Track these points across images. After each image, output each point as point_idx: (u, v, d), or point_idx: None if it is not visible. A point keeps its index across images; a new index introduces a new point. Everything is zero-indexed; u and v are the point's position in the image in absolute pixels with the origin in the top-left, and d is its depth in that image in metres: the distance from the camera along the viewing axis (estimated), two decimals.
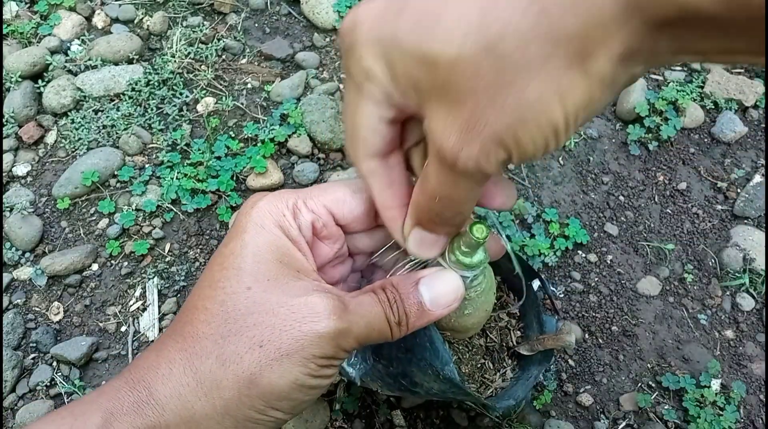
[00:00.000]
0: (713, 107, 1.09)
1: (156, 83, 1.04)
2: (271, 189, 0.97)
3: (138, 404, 0.38)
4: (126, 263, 0.91)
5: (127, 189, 0.96)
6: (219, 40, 1.11)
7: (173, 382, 0.38)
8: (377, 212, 0.44)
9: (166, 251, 0.92)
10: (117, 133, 1.00)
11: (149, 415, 0.38)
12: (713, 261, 0.97)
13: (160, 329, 0.87)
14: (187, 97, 1.04)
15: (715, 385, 0.86)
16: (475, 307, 0.54)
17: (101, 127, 1.01)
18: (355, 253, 0.50)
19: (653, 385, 0.87)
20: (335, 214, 0.44)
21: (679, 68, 1.14)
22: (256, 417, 0.39)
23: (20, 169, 0.98)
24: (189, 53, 1.08)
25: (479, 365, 0.66)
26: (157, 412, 0.38)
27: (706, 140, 1.07)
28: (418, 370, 0.56)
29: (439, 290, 0.44)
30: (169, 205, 0.94)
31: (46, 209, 0.95)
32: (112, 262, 0.91)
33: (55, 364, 0.85)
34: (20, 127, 1.00)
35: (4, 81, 1.02)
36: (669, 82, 1.10)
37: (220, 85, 1.07)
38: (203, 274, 0.43)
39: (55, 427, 0.39)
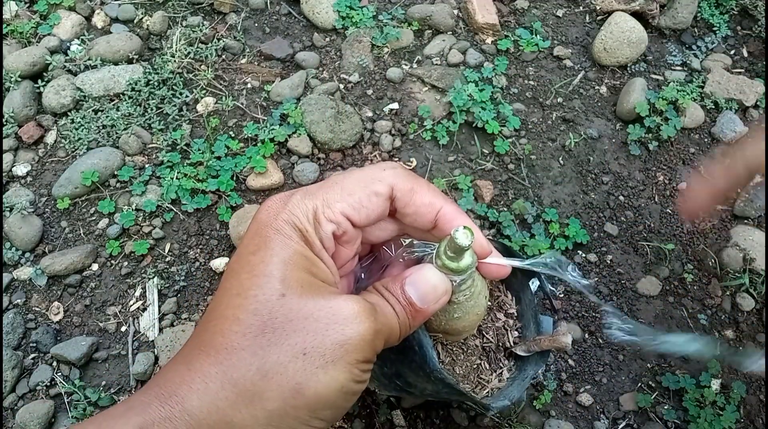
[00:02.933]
0: (713, 107, 1.09)
1: (156, 83, 1.04)
2: (271, 189, 0.97)
3: (170, 418, 0.37)
4: (126, 263, 0.91)
5: (127, 189, 0.96)
6: (219, 39, 1.11)
7: (210, 397, 0.37)
8: (394, 209, 0.45)
9: (166, 251, 0.92)
10: (117, 133, 1.00)
11: None
12: (713, 261, 0.97)
13: (160, 329, 0.87)
14: (187, 97, 1.04)
15: (715, 385, 0.86)
16: (465, 310, 0.53)
17: (101, 127, 1.01)
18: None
19: (653, 385, 0.87)
20: (353, 220, 0.44)
21: (679, 68, 1.14)
22: (298, 428, 0.38)
23: (20, 169, 0.98)
24: (189, 53, 1.08)
25: (475, 366, 0.66)
26: (191, 426, 0.37)
27: (706, 140, 1.07)
28: (410, 371, 0.56)
29: (424, 288, 0.44)
30: (169, 205, 0.94)
31: (46, 209, 0.95)
32: (112, 262, 0.91)
33: (55, 364, 0.85)
34: (20, 127, 1.00)
35: (3, 81, 1.02)
36: (669, 82, 1.10)
37: (220, 85, 1.07)
38: (227, 282, 0.41)
39: None
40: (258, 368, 0.37)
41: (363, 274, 0.53)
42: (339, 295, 0.41)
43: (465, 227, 0.43)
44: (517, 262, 0.51)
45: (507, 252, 0.57)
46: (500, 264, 0.50)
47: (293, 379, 0.37)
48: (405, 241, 0.52)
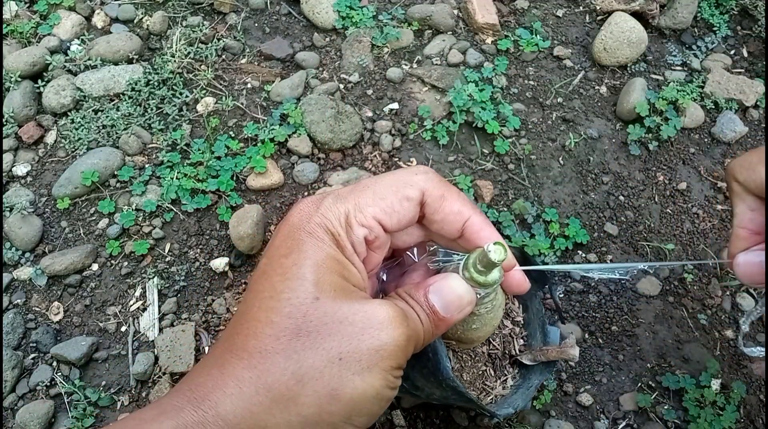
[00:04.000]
0: (713, 107, 1.09)
1: (156, 83, 1.04)
2: (271, 189, 0.97)
3: (203, 423, 0.37)
4: (126, 263, 0.91)
5: (127, 189, 0.96)
6: (219, 39, 1.11)
7: (244, 402, 0.37)
8: (422, 215, 0.45)
9: (166, 251, 0.92)
10: (117, 133, 1.00)
11: None
12: (713, 261, 0.97)
13: (160, 329, 0.87)
14: (187, 97, 1.04)
15: (715, 385, 0.86)
16: (483, 322, 0.53)
17: (101, 127, 1.01)
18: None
19: (653, 385, 0.87)
20: (385, 225, 0.44)
21: (679, 68, 1.14)
22: None
23: (20, 169, 0.98)
24: (189, 53, 1.08)
25: (480, 372, 0.66)
26: None
27: (706, 140, 1.07)
28: (420, 376, 0.56)
29: (449, 298, 0.44)
30: (169, 205, 0.94)
31: (46, 209, 0.95)
32: (112, 262, 0.91)
33: (55, 364, 0.85)
34: (20, 127, 1.00)
35: (3, 81, 1.02)
36: (669, 82, 1.10)
37: (220, 85, 1.07)
38: (258, 284, 0.41)
39: None
40: (293, 373, 0.37)
41: (384, 277, 0.53)
42: (371, 300, 0.41)
43: (497, 243, 0.42)
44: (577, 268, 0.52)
45: (525, 259, 0.57)
46: (539, 269, 0.50)
47: (329, 385, 0.37)
48: (430, 248, 0.51)
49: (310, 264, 0.39)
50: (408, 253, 0.52)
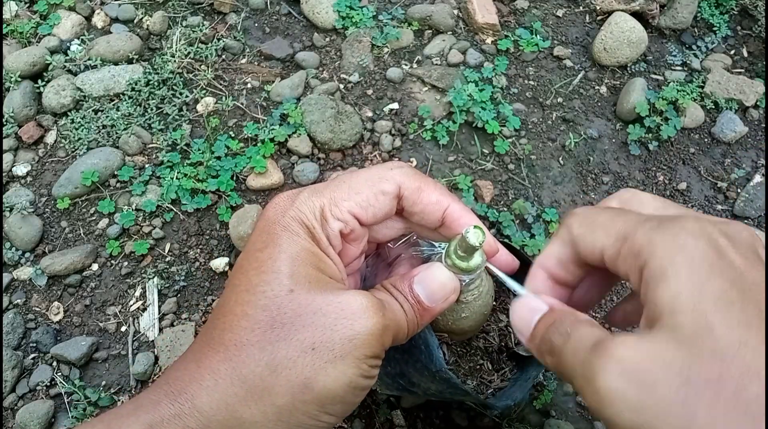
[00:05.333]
0: (713, 107, 1.09)
1: (156, 83, 1.04)
2: (271, 189, 0.97)
3: (180, 416, 0.37)
4: (126, 263, 0.91)
5: (127, 189, 0.96)
6: (219, 39, 1.11)
7: (219, 393, 0.38)
8: (401, 208, 0.45)
9: (166, 251, 0.92)
10: (117, 133, 1.00)
11: (192, 426, 0.37)
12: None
13: (160, 329, 0.87)
14: (187, 97, 1.04)
15: None
16: (472, 310, 0.53)
17: (101, 127, 1.01)
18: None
19: None
20: (360, 218, 0.44)
21: (679, 68, 1.14)
22: (308, 422, 0.39)
23: (20, 169, 0.98)
24: (189, 53, 1.08)
25: (478, 366, 0.66)
26: (201, 423, 0.37)
27: (706, 140, 1.07)
28: (414, 370, 0.56)
29: (433, 286, 0.44)
30: (169, 205, 0.94)
31: (46, 209, 0.95)
32: (112, 262, 0.91)
33: (55, 364, 0.85)
34: (20, 127, 1.00)
35: (3, 81, 1.02)
36: (669, 82, 1.10)
37: (220, 85, 1.07)
38: (235, 278, 0.41)
39: None
40: (267, 363, 0.37)
41: (369, 273, 0.53)
42: (347, 290, 0.41)
43: (476, 227, 0.43)
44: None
45: (512, 251, 0.57)
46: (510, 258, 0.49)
47: (302, 374, 0.37)
48: (411, 239, 0.52)
49: (284, 257, 0.40)
50: (389, 245, 0.52)
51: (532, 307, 0.40)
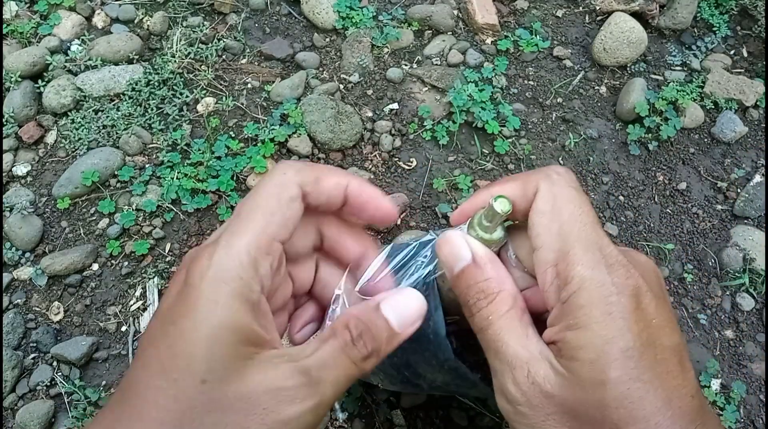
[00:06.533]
0: (713, 107, 1.09)
1: (156, 83, 1.04)
2: None
3: None
4: (126, 263, 0.91)
5: (127, 189, 0.96)
6: (219, 40, 1.11)
7: None
8: (306, 204, 0.42)
9: (167, 251, 0.92)
10: (117, 133, 1.00)
11: None
12: (713, 261, 0.97)
13: None
14: (187, 97, 1.04)
15: (715, 385, 0.86)
16: None
17: (101, 127, 1.01)
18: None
19: None
20: (283, 238, 0.40)
21: (679, 68, 1.14)
22: None
23: (20, 169, 0.98)
24: (189, 53, 1.08)
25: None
26: None
27: (706, 140, 1.07)
28: (422, 360, 0.56)
29: (404, 310, 0.42)
30: (169, 205, 0.94)
31: (46, 209, 0.95)
32: (113, 262, 0.91)
33: (55, 364, 0.85)
34: (20, 127, 1.00)
35: (4, 81, 1.02)
36: (669, 82, 1.10)
37: (220, 85, 1.07)
38: (147, 353, 0.37)
39: None
40: None
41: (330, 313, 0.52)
42: (267, 370, 0.37)
43: (501, 196, 0.43)
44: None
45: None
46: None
47: None
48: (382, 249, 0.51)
49: (199, 337, 0.35)
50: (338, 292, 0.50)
51: (456, 254, 0.44)
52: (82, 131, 1.00)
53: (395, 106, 1.05)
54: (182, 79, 1.05)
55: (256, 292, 0.38)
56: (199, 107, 1.04)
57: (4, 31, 1.08)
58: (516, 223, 0.47)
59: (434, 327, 0.51)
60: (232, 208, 0.94)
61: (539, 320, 0.42)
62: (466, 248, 0.43)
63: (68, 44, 1.08)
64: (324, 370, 0.38)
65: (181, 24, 1.12)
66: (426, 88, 1.08)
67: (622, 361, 0.36)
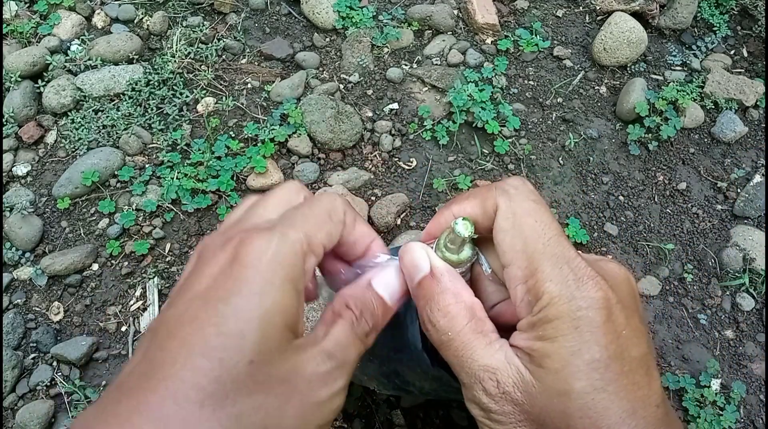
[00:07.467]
0: (713, 107, 1.09)
1: (156, 83, 1.04)
2: (272, 189, 0.97)
3: None
4: (126, 263, 0.91)
5: (127, 189, 0.96)
6: (219, 40, 1.11)
7: None
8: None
9: (167, 251, 0.92)
10: (117, 133, 1.00)
11: None
12: (713, 261, 0.97)
13: None
14: (187, 97, 1.04)
15: (715, 385, 0.86)
16: None
17: (101, 127, 1.01)
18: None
19: None
20: (326, 250, 0.42)
21: (679, 68, 1.14)
22: None
23: (20, 169, 0.98)
24: (189, 53, 1.08)
25: None
26: None
27: (706, 140, 1.07)
28: (408, 369, 0.56)
29: (392, 284, 0.44)
30: (169, 205, 0.94)
31: (46, 209, 0.95)
32: (113, 261, 0.91)
33: (55, 363, 0.85)
34: (20, 127, 1.00)
35: (3, 81, 1.02)
36: (669, 82, 1.10)
37: (220, 85, 1.07)
38: (184, 330, 0.35)
39: None
40: None
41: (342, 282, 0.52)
42: (303, 354, 0.38)
43: (464, 218, 0.43)
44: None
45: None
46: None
47: None
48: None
49: (253, 317, 0.35)
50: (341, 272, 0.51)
51: (416, 264, 0.44)
52: (82, 131, 1.00)
53: (395, 106, 1.05)
54: (182, 79, 1.05)
55: (302, 282, 0.39)
56: (199, 107, 1.04)
57: (4, 31, 1.08)
58: (487, 236, 0.47)
59: (413, 339, 0.51)
60: (233, 208, 0.94)
61: (515, 329, 0.43)
62: (425, 259, 0.44)
63: (68, 44, 1.08)
64: (345, 350, 0.40)
65: (181, 24, 1.12)
66: (426, 88, 1.08)
67: (587, 373, 0.37)
